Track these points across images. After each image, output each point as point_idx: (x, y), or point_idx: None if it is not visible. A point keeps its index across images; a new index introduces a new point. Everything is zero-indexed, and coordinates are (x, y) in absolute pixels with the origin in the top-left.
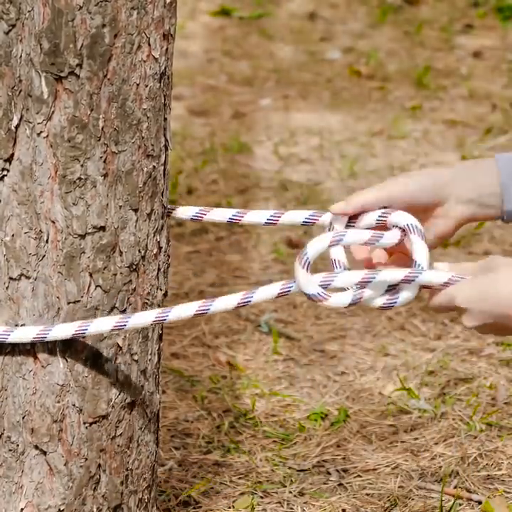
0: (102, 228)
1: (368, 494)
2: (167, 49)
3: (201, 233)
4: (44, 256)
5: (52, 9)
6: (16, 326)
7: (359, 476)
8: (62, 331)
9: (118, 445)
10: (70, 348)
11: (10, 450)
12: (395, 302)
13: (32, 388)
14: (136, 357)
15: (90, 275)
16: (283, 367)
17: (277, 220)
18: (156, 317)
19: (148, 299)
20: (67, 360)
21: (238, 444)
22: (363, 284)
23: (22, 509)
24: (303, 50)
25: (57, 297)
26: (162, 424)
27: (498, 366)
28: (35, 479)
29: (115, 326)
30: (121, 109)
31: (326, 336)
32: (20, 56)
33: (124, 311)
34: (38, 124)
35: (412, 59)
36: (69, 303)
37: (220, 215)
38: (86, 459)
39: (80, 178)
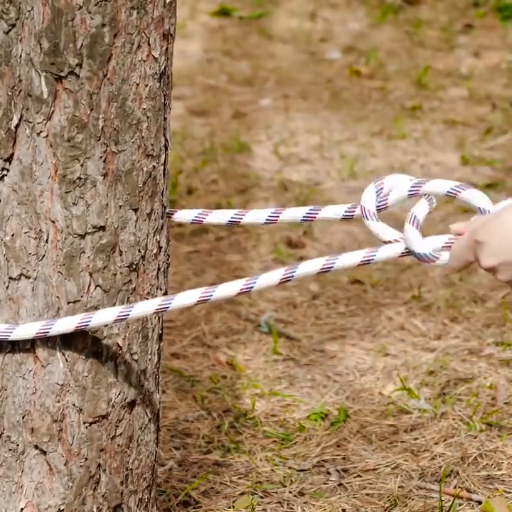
0: (102, 228)
1: (368, 494)
2: (167, 49)
3: (201, 233)
4: (44, 256)
5: (52, 9)
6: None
7: (359, 476)
8: (65, 325)
9: (118, 445)
10: (70, 347)
11: (10, 450)
12: None
13: (32, 388)
14: (136, 357)
15: (90, 275)
16: (283, 367)
17: (277, 218)
18: (158, 305)
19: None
20: (67, 360)
21: (238, 444)
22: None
23: (22, 509)
24: (303, 50)
25: (57, 297)
26: (162, 424)
27: (498, 366)
28: (35, 479)
29: (118, 317)
30: (121, 109)
31: (326, 335)
32: (20, 56)
33: None
34: (38, 123)
35: (412, 59)
36: (69, 302)
37: (220, 217)
38: (86, 459)
39: (79, 178)
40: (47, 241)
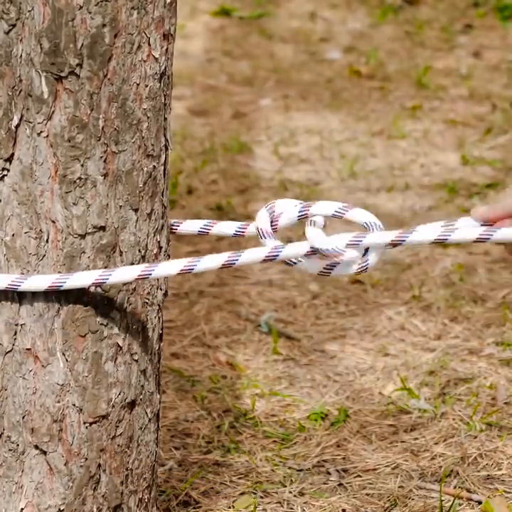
0: (102, 228)
1: (368, 494)
2: (167, 49)
3: None
4: (44, 256)
5: (53, 9)
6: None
7: (359, 476)
8: (81, 279)
9: (118, 445)
10: (70, 347)
11: (10, 450)
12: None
13: (32, 388)
14: (136, 357)
15: None
16: (283, 367)
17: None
18: (141, 271)
19: (148, 299)
20: (67, 360)
21: (238, 444)
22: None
23: (22, 509)
24: (303, 50)
25: (57, 297)
26: (162, 424)
27: (498, 366)
28: (35, 479)
29: (97, 280)
30: (122, 109)
31: (326, 335)
32: (21, 56)
33: (124, 311)
34: (38, 123)
35: (412, 59)
36: (69, 303)
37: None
38: (86, 459)
39: (80, 178)
40: (47, 241)
